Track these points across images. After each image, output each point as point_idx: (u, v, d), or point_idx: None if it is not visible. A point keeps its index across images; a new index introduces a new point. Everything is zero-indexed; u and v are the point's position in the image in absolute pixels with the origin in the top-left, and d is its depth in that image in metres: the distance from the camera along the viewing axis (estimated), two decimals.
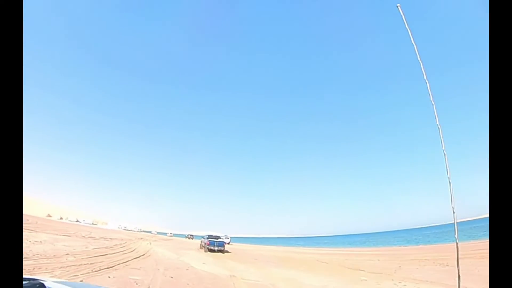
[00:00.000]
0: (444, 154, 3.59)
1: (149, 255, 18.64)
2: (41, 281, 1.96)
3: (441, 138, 3.74)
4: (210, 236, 29.39)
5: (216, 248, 26.87)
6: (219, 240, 28.51)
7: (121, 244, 25.70)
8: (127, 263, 13.68)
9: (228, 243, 44.30)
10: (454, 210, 3.50)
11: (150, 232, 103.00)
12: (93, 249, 17.91)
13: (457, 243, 3.66)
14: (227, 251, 29.32)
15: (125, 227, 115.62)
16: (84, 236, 29.73)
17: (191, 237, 71.37)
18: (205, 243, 28.27)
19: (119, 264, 12.89)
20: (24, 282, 1.77)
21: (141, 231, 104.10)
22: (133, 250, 20.78)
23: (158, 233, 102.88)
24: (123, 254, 17.36)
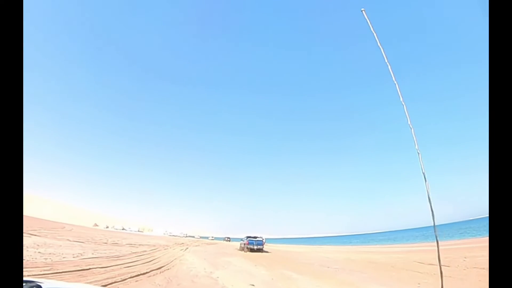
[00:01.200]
0: (418, 153, 3.68)
1: (168, 269, 12.02)
2: (38, 283, 1.97)
3: (414, 138, 3.78)
4: (248, 237, 29.74)
5: (255, 247, 27.56)
6: (257, 239, 28.75)
7: (144, 252, 19.73)
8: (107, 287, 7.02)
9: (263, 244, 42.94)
10: (432, 209, 3.56)
11: (193, 237, 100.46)
12: (83, 259, 11.76)
13: (437, 242, 3.59)
14: (265, 251, 28.71)
15: (171, 233, 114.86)
16: (106, 243, 24.50)
17: (228, 239, 75.74)
18: (244, 244, 28.98)
19: None
20: None
21: (186, 236, 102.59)
22: (151, 261, 14.40)
23: (201, 237, 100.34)
24: (126, 267, 10.93)
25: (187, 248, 30.01)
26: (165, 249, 25.40)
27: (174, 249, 26.54)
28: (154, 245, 28.87)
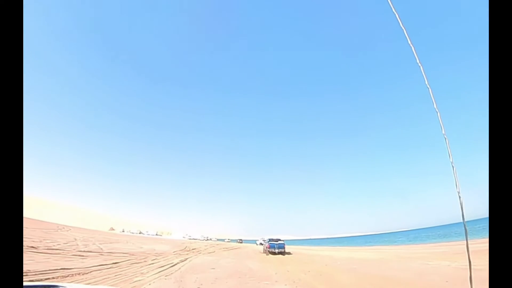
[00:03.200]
0: (445, 139, 3.17)
1: None
2: (61, 287, 2.00)
3: (440, 121, 3.29)
4: (270, 240, 29.19)
5: (276, 251, 26.96)
6: (279, 242, 28.24)
7: (73, 269, 8.46)
8: None
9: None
10: (460, 195, 2.85)
11: (210, 239, 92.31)
12: None
13: (466, 239, 2.75)
14: (288, 253, 28.07)
15: (190, 236, 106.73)
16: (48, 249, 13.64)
17: (240, 241, 76.88)
18: (266, 247, 28.55)
19: None
20: None
21: (207, 239, 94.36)
22: None
23: (218, 239, 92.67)
24: None
25: (187, 259, 18.36)
26: (141, 262, 13.93)
27: (159, 261, 14.99)
28: (133, 254, 17.57)
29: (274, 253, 26.81)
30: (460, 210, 2.90)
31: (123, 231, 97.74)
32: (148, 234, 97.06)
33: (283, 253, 27.09)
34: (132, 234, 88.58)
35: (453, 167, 3.07)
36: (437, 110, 3.46)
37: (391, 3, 3.90)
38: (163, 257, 17.68)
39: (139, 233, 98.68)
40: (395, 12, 3.90)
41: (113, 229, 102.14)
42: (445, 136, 3.27)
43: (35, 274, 7.78)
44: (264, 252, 28.93)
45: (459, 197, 2.90)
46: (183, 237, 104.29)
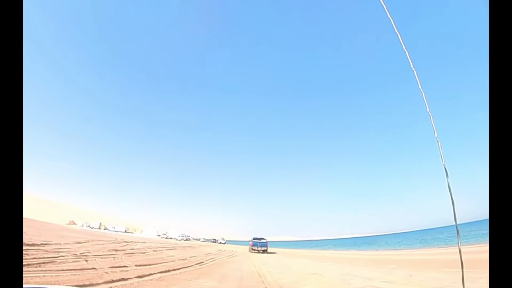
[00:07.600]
0: (438, 141, 3.19)
1: None
2: None
3: (433, 125, 3.36)
4: (255, 238, 30.49)
5: (260, 249, 28.30)
6: (262, 241, 29.60)
7: None
8: None
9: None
10: (453, 201, 2.91)
11: (189, 239, 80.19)
12: None
13: (459, 244, 2.90)
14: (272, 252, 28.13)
15: (166, 234, 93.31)
16: None
17: (214, 241, 72.35)
18: (250, 245, 29.96)
19: None
20: None
21: (186, 239, 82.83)
22: None
23: (194, 239, 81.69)
24: None
25: None
26: None
27: None
28: None
29: (258, 251, 28.16)
30: (453, 216, 2.86)
31: (82, 225, 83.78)
32: (115, 230, 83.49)
33: (266, 252, 28.33)
34: (91, 229, 74.40)
35: (445, 170, 3.03)
36: (429, 114, 3.45)
37: (386, 8, 3.80)
38: None
39: (104, 229, 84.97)
40: (390, 18, 3.82)
41: (74, 223, 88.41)
42: (437, 139, 3.23)
43: None
44: (249, 250, 29.81)
45: (452, 202, 2.85)
46: (158, 235, 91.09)
